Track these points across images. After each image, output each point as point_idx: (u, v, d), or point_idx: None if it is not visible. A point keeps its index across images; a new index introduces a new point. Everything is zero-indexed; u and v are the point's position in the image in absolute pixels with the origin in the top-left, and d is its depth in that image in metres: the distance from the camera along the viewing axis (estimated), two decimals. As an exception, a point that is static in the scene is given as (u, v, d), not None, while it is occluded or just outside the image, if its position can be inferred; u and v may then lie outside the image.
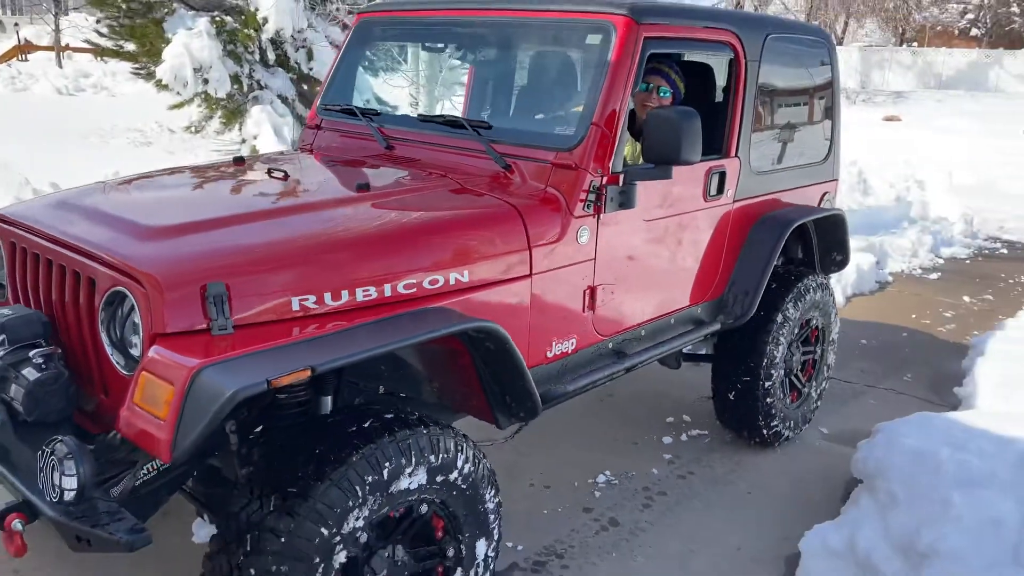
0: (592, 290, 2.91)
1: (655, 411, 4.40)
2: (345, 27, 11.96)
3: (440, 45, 3.82)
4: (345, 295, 2.21)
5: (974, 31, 40.78)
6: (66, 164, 8.76)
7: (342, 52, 3.67)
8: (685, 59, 3.67)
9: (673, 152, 2.69)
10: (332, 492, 1.98)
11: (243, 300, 2.05)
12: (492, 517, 2.42)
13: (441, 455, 2.19)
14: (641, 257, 3.11)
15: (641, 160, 2.86)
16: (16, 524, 1.97)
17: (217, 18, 10.77)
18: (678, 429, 4.21)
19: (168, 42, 10.48)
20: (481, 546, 2.41)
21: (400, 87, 4.09)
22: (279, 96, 11.25)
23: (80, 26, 21.04)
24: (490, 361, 2.45)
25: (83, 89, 20.37)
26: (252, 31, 10.87)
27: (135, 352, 2.06)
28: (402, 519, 2.24)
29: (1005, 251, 8.83)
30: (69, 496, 1.88)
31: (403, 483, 2.11)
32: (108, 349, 2.12)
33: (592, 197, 2.77)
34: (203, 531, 2.39)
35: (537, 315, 2.71)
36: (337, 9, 11.42)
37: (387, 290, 2.30)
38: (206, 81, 10.50)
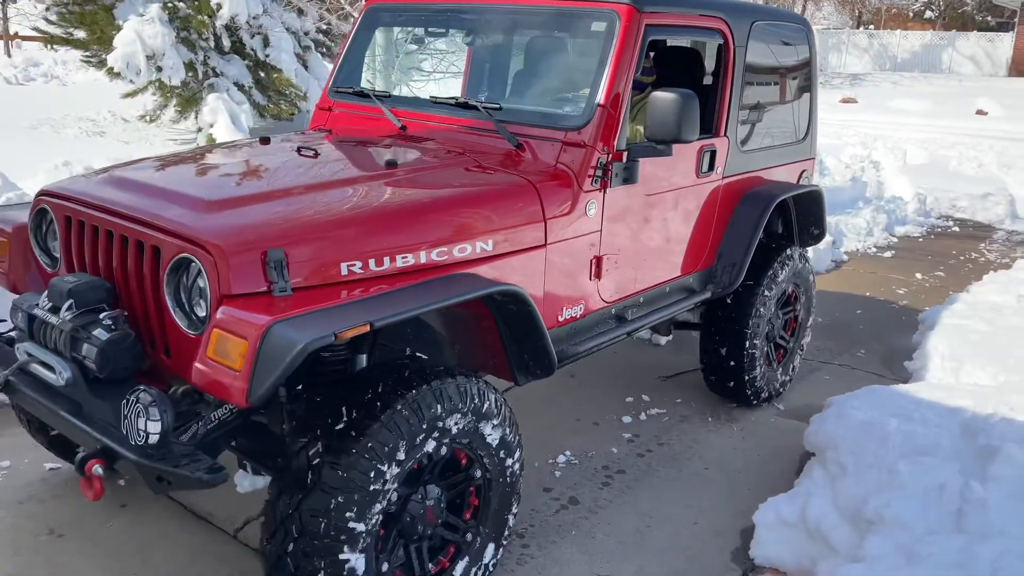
0: (598, 260, 3.15)
1: (616, 392, 4.45)
2: (301, 12, 11.81)
3: (446, 31, 4.01)
4: (387, 261, 2.43)
5: (928, 14, 41.42)
6: (16, 155, 8.54)
7: (351, 37, 3.86)
8: (675, 44, 3.89)
9: (674, 131, 2.91)
10: (383, 432, 2.21)
11: (299, 265, 2.25)
12: (514, 451, 2.65)
13: (471, 400, 2.43)
14: (641, 229, 3.36)
15: (640, 139, 2.98)
16: (96, 469, 2.16)
17: (169, 4, 10.55)
18: (637, 409, 4.26)
19: (119, 29, 10.26)
20: (510, 463, 2.67)
21: (410, 71, 4.24)
22: (235, 84, 11.08)
23: (29, 14, 20.44)
24: (512, 323, 2.67)
25: (33, 79, 19.81)
26: (206, 17, 10.67)
27: (200, 313, 2.24)
28: (438, 459, 2.45)
29: (957, 229, 9.04)
30: (153, 439, 2.07)
31: (440, 424, 2.35)
32: (172, 311, 2.28)
33: (599, 173, 3.00)
34: (246, 481, 2.63)
35: (550, 282, 2.95)
36: (293, -5, 11.25)
37: (422, 257, 2.52)
38: (159, 69, 10.31)
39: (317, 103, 3.88)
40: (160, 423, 2.07)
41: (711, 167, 3.63)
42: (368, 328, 2.10)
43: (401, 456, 2.25)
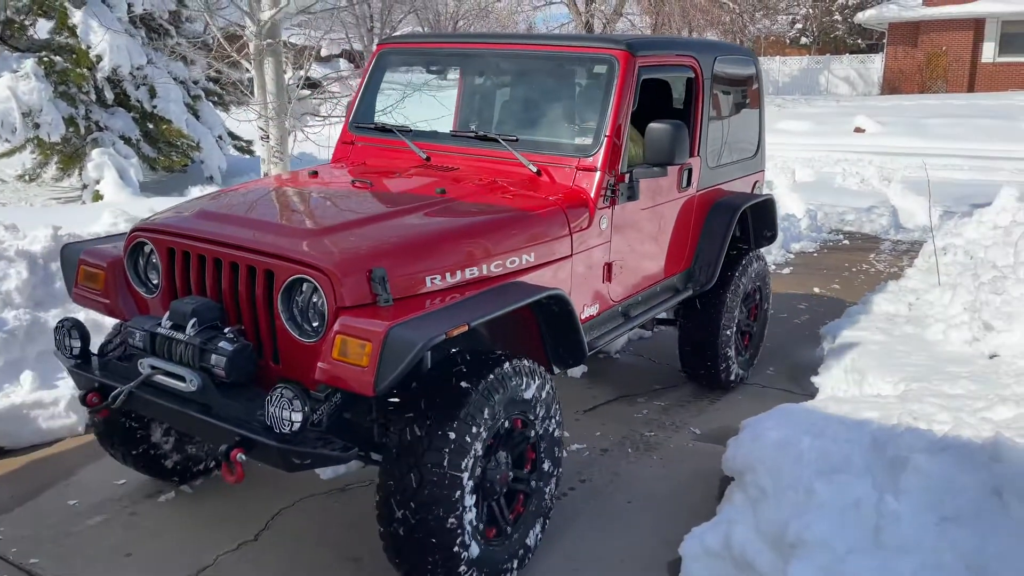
0: (608, 266, 3.75)
1: (533, 430, 4.38)
2: (189, 61, 11.49)
3: (453, 71, 4.56)
4: (458, 274, 2.93)
5: (803, 39, 43.82)
6: None
7: (366, 77, 4.29)
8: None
9: (668, 155, 3.54)
10: (471, 410, 2.66)
11: (395, 280, 2.70)
12: (558, 422, 3.16)
13: (532, 379, 2.93)
14: (639, 239, 3.97)
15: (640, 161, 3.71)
16: (240, 456, 2.57)
17: (45, 58, 10.09)
18: (557, 446, 4.20)
19: (-10, 87, 9.74)
20: (552, 446, 3.15)
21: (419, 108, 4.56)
22: (121, 137, 10.66)
23: None
24: (552, 321, 3.19)
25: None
26: (85, 70, 10.26)
27: (314, 325, 2.67)
28: (505, 428, 2.92)
29: (847, 242, 9.45)
30: (296, 427, 2.48)
31: (516, 398, 2.85)
32: (286, 324, 2.68)
33: (609, 192, 3.59)
34: (328, 471, 3.04)
35: (575, 286, 3.49)
36: (178, 44, 10.94)
37: (484, 270, 3.03)
38: (37, 126, 9.82)
39: (339, 137, 4.24)
40: (301, 413, 2.47)
41: (689, 183, 4.24)
42: (467, 327, 2.59)
43: (484, 430, 2.71)
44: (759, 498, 2.98)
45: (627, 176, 3.66)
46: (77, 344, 3.10)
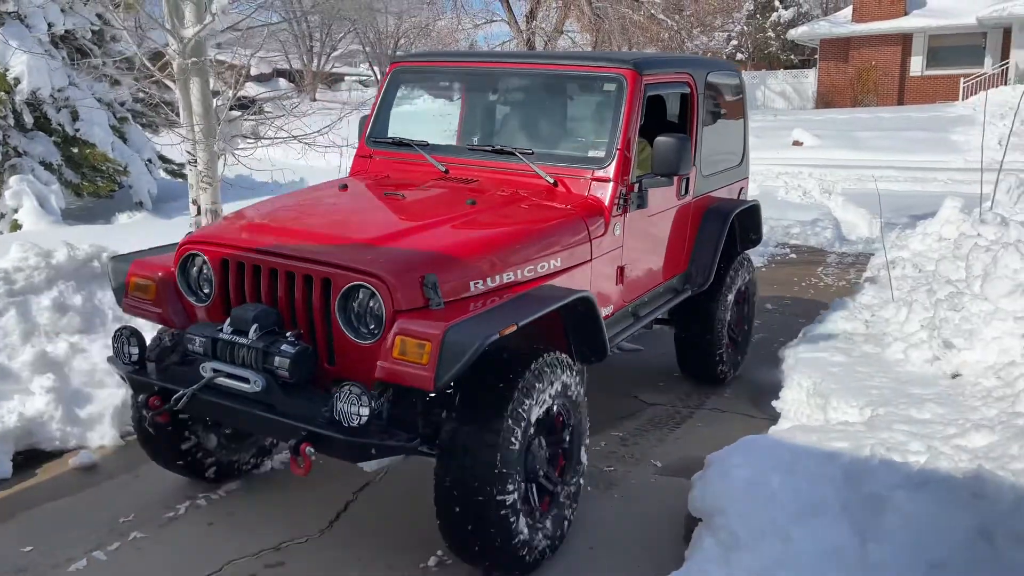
0: (621, 269, 4.01)
1: (486, 469, 4.11)
2: (115, 83, 10.99)
3: (464, 89, 4.79)
4: (497, 279, 3.17)
5: (739, 55, 44.74)
6: None
7: (381, 95, 4.49)
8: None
9: (675, 166, 3.79)
10: (522, 394, 2.91)
11: (444, 285, 2.91)
12: (584, 413, 3.40)
13: (564, 371, 3.17)
14: (646, 243, 4.24)
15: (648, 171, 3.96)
16: (309, 450, 2.77)
17: (-43, 81, 9.52)
18: (511, 487, 3.94)
19: None
20: (580, 431, 3.41)
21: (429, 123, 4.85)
22: (42, 163, 10.10)
23: None
24: (578, 321, 3.41)
25: None
26: (3, 93, 9.70)
27: (371, 328, 2.86)
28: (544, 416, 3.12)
29: (794, 256, 9.44)
30: (363, 420, 2.69)
31: (552, 388, 3.08)
32: (344, 327, 2.87)
33: (621, 201, 3.84)
34: (372, 464, 3.00)
35: (594, 288, 3.66)
36: (104, 63, 10.45)
37: (518, 274, 3.27)
38: (-52, 152, 9.22)
39: (357, 151, 4.44)
40: (368, 407, 2.68)
41: (686, 191, 4.52)
42: (515, 327, 2.82)
43: (528, 418, 2.96)
44: (732, 545, 2.77)
45: (636, 185, 3.94)
46: (136, 351, 3.24)
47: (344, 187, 3.96)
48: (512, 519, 2.91)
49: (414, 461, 3.06)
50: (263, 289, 3.06)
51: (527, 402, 2.94)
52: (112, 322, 5.14)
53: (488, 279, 3.13)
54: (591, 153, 3.96)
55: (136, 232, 8.23)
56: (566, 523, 3.30)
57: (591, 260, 3.69)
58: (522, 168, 3.87)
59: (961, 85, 26.01)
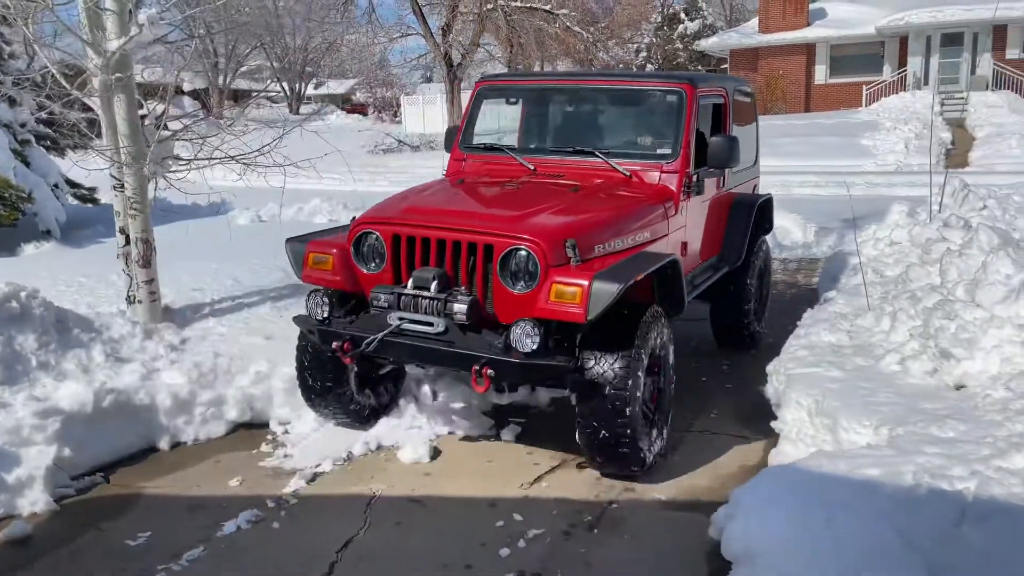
0: (684, 244, 4.86)
1: (479, 516, 3.77)
2: (13, 103, 10.14)
3: (543, 102, 5.56)
4: (610, 245, 4.00)
5: (649, 66, 45.65)
6: None
7: (470, 108, 5.40)
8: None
9: (727, 161, 4.76)
10: (643, 344, 3.84)
11: (580, 247, 3.79)
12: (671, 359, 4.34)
13: (662, 322, 4.13)
14: (699, 225, 5.08)
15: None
16: (489, 372, 3.65)
17: None
18: (512, 534, 3.60)
19: None
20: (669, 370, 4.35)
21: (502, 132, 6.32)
22: (-66, 191, 9.16)
23: None
24: (665, 281, 4.25)
25: None
26: None
27: (525, 281, 3.77)
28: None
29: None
30: (534, 347, 3.63)
31: (655, 333, 4.01)
32: (503, 281, 3.80)
33: (686, 189, 4.70)
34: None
35: None
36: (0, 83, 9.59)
37: (623, 243, 4.09)
38: None
39: (451, 156, 5.29)
40: (539, 338, 3.60)
41: (723, 184, 5.40)
42: (642, 276, 3.79)
43: (646, 355, 3.89)
44: (789, 597, 2.51)
45: (695, 176, 4.81)
46: (327, 310, 4.11)
47: (461, 182, 4.87)
48: (637, 431, 3.85)
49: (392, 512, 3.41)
50: (431, 257, 3.94)
51: (645, 342, 3.90)
52: (36, 368, 4.57)
53: (605, 244, 4.01)
54: (660, 151, 4.84)
55: (47, 264, 7.52)
56: (662, 439, 4.25)
57: (667, 235, 4.54)
58: (600, 164, 4.77)
59: (864, 92, 27.08)
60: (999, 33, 26.12)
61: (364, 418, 4.63)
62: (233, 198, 9.53)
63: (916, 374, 4.11)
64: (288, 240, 4.48)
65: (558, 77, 5.56)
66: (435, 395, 4.91)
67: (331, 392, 4.47)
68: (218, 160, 5.63)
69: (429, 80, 61.75)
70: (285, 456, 4.46)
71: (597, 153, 4.80)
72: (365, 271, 4.17)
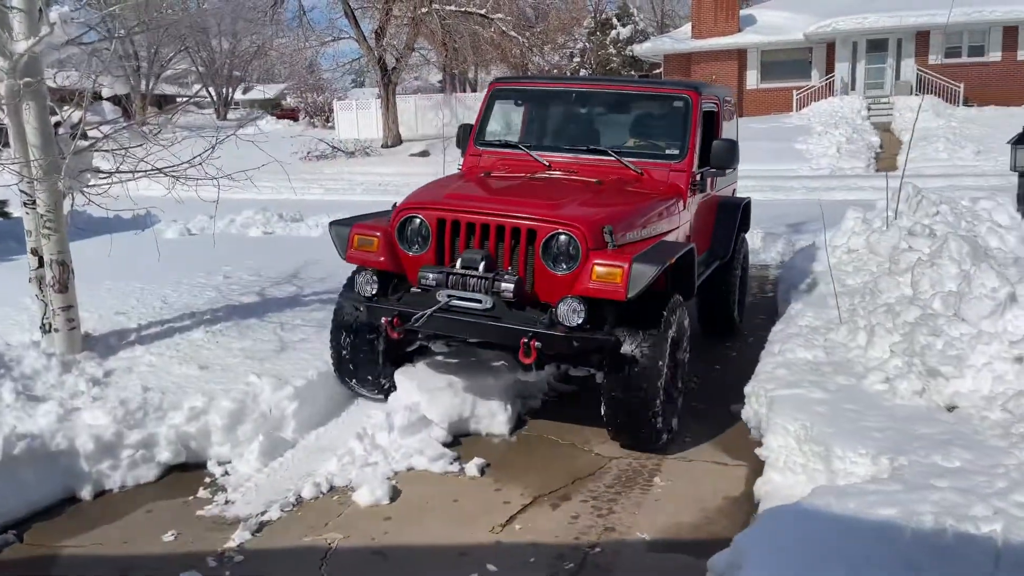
0: (688, 236, 5.12)
1: (451, 570, 3.40)
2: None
3: (553, 103, 5.85)
4: (637, 233, 4.40)
5: (583, 71, 45.84)
6: None
7: (484, 107, 5.66)
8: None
9: (728, 162, 5.18)
10: (669, 329, 4.31)
11: (615, 234, 4.19)
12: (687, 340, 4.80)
13: (682, 307, 4.57)
14: (699, 220, 5.42)
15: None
16: (537, 344, 3.97)
17: None
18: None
19: None
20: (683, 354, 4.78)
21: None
22: None
23: None
24: (681, 268, 4.62)
25: None
26: None
27: (566, 263, 4.14)
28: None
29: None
30: (579, 321, 3.95)
31: (677, 317, 4.44)
32: (545, 263, 4.17)
33: (692, 186, 5.07)
34: (531, 374, 4.98)
35: None
36: None
37: (644, 233, 4.47)
38: None
39: (467, 152, 5.57)
40: (584, 314, 3.95)
41: (714, 186, 5.78)
42: (674, 260, 4.30)
43: (670, 338, 4.32)
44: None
45: (699, 175, 5.22)
46: (376, 288, 4.34)
47: (488, 174, 5.17)
48: (659, 407, 4.19)
49: None
50: (475, 240, 4.23)
51: (671, 325, 4.28)
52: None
53: (634, 232, 4.37)
54: (668, 151, 5.22)
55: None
56: (676, 419, 4.57)
57: (678, 228, 4.91)
58: (611, 162, 5.10)
59: (794, 97, 27.57)
60: (921, 39, 26.91)
61: (386, 392, 4.90)
62: (161, 212, 8.91)
63: (904, 394, 3.92)
64: (332, 223, 4.80)
65: (570, 81, 6.27)
66: (390, 427, 4.52)
67: (363, 367, 4.82)
68: (144, 173, 5.12)
69: (361, 85, 60.89)
70: (226, 502, 4.01)
71: (611, 152, 5.16)
72: (409, 253, 4.45)
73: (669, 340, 4.27)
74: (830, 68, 28.18)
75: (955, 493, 2.83)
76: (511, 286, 4.08)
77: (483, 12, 27.19)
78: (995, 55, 26.29)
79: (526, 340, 3.96)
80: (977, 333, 3.90)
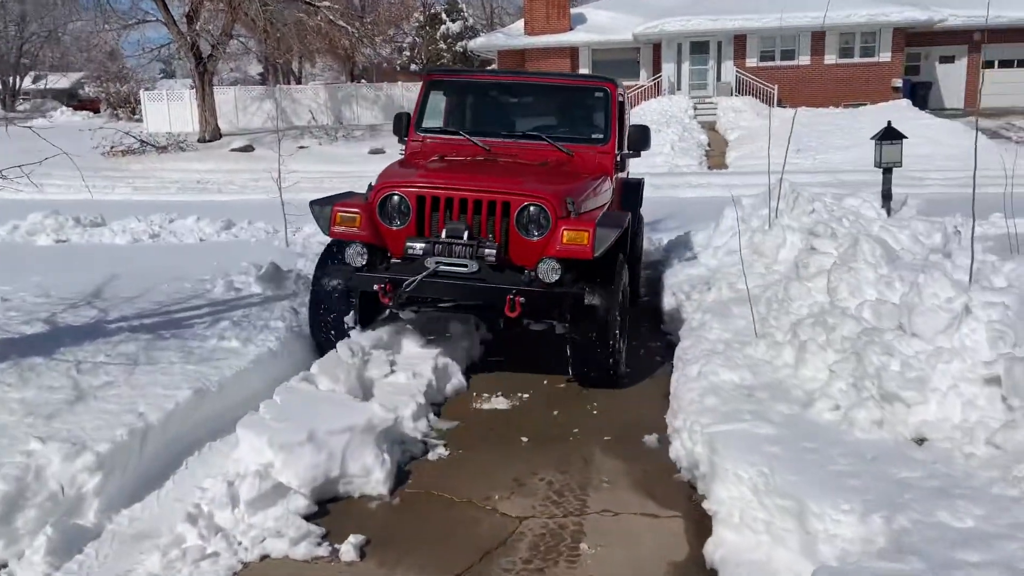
0: (616, 208, 6.20)
1: None
2: None
3: (485, 94, 6.69)
4: (588, 204, 5.17)
5: (413, 66, 44.82)
6: None
7: (421, 97, 6.30)
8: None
9: (642, 145, 6.23)
10: (619, 276, 5.12)
11: (578, 204, 4.95)
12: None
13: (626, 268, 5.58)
14: (616, 194, 6.30)
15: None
16: (521, 300, 4.64)
17: None
18: None
19: None
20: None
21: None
22: None
23: None
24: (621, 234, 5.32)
25: None
26: None
27: (538, 231, 4.81)
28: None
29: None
30: (557, 278, 4.64)
31: (624, 273, 5.37)
32: (519, 231, 4.83)
33: (616, 167, 6.05)
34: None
35: None
36: None
37: (596, 203, 5.37)
38: None
39: (408, 138, 6.15)
40: (560, 272, 4.63)
41: (627, 166, 6.68)
42: (628, 225, 5.52)
43: (620, 288, 5.18)
44: None
45: (619, 157, 6.02)
46: (365, 259, 4.88)
47: (441, 157, 5.66)
48: (617, 346, 5.03)
49: None
50: (453, 214, 4.87)
51: (621, 279, 5.13)
52: None
53: (586, 203, 5.08)
54: (594, 136, 5.99)
55: None
56: (623, 355, 5.32)
57: (610, 201, 5.69)
58: (543, 146, 5.73)
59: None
60: (739, 42, 28.16)
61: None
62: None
63: (863, 425, 3.37)
64: (312, 202, 5.21)
65: (500, 74, 7.08)
66: (234, 502, 3.45)
67: (339, 327, 5.22)
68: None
69: (171, 75, 56.32)
70: (-4, 635, 2.81)
71: (544, 137, 5.85)
72: (391, 227, 4.96)
73: (620, 290, 5.09)
74: (657, 68, 28.92)
75: (993, 570, 2.24)
76: (493, 251, 4.77)
77: (308, -1, 25.53)
78: (805, 59, 27.97)
79: (511, 296, 4.60)
80: (935, 350, 3.43)
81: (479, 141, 5.75)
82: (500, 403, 4.93)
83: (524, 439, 4.40)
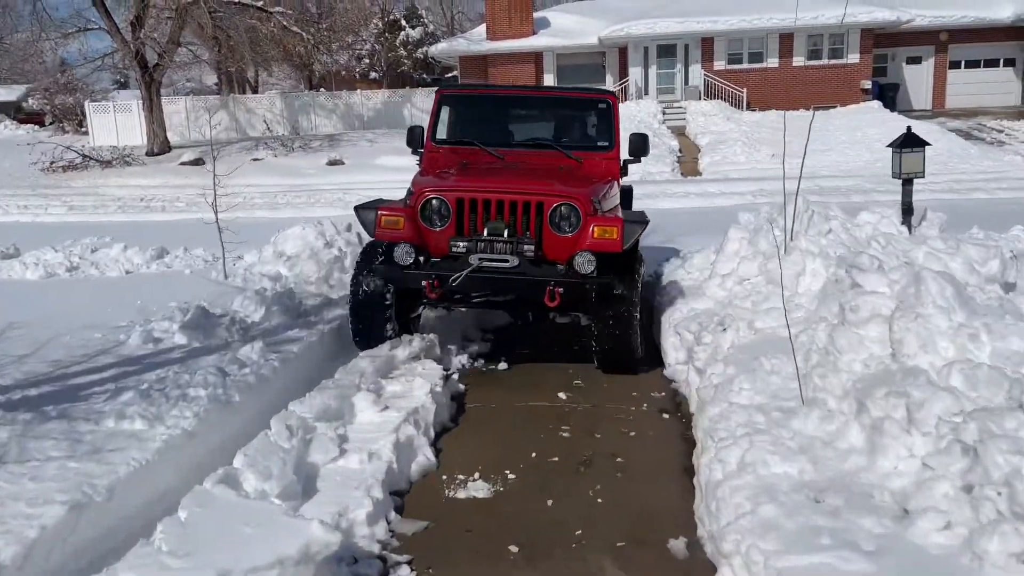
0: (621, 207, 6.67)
1: None
2: None
3: (496, 107, 7.18)
4: (609, 203, 5.86)
5: (373, 74, 43.66)
6: None
7: (435, 112, 6.63)
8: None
9: (642, 152, 6.55)
10: (639, 268, 5.83)
11: (600, 203, 5.54)
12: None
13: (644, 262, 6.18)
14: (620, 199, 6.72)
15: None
16: (559, 290, 5.08)
17: None
18: None
19: None
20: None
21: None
22: None
23: None
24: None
25: None
26: None
27: (568, 228, 5.29)
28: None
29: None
30: (592, 270, 5.11)
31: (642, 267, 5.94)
32: (552, 228, 5.30)
33: (620, 172, 6.46)
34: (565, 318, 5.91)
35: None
36: None
37: (613, 203, 5.99)
38: None
39: (426, 149, 6.41)
40: (594, 263, 5.10)
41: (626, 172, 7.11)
42: (649, 222, 6.11)
43: (640, 282, 5.64)
44: None
45: (623, 162, 6.54)
46: (412, 257, 5.23)
47: (466, 164, 6.12)
48: (638, 334, 5.50)
49: None
50: (491, 214, 5.31)
51: (641, 272, 5.75)
52: None
53: (605, 203, 5.75)
54: (600, 143, 6.59)
55: None
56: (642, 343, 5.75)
57: (619, 203, 6.43)
58: (552, 153, 6.31)
59: (591, 101, 27.20)
60: (707, 45, 27.50)
61: (388, 338, 5.62)
62: None
63: (996, 560, 2.42)
64: (357, 207, 5.72)
65: (508, 89, 8.39)
66: None
67: (378, 326, 5.61)
68: None
69: (125, 86, 54.36)
70: None
71: (555, 145, 6.38)
72: (431, 228, 5.40)
73: (640, 281, 5.59)
74: (623, 73, 28.18)
75: None
76: (532, 247, 5.23)
77: (260, 5, 24.31)
78: (773, 61, 27.39)
79: (551, 287, 5.05)
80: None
81: (492, 150, 6.20)
82: (479, 489, 3.92)
83: (513, 548, 3.38)
